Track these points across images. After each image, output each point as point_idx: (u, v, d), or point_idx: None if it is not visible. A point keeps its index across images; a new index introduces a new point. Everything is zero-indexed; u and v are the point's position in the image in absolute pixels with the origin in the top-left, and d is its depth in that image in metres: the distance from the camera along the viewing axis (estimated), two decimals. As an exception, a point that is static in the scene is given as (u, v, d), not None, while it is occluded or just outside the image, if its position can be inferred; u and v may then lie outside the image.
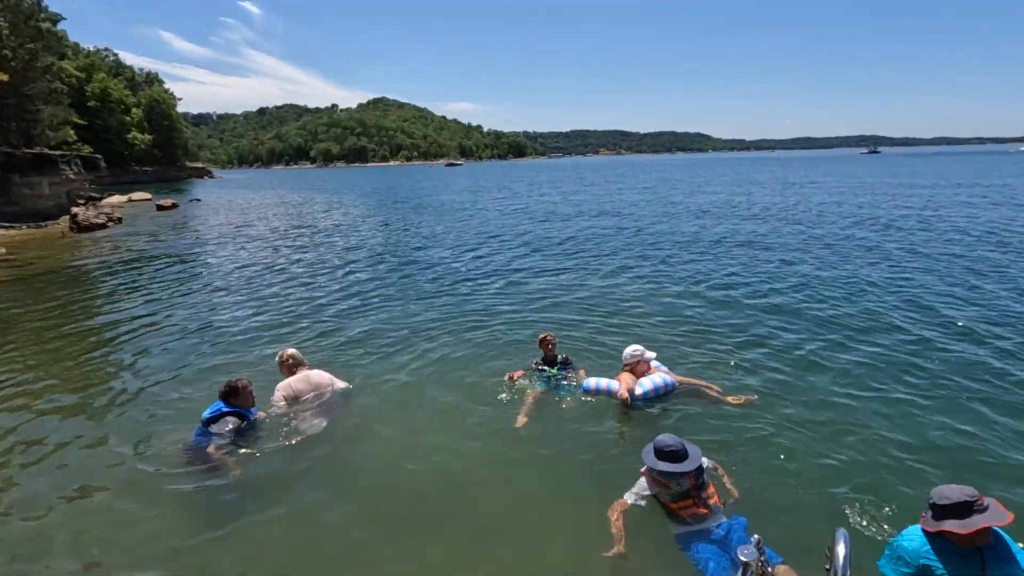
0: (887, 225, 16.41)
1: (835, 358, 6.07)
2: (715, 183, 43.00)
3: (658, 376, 5.04)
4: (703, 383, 5.27)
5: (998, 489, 3.62)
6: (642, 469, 3.44)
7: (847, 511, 3.47)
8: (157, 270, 12.86)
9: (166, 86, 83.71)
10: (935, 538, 2.50)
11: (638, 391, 4.90)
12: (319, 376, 5.12)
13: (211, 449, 4.20)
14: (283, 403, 4.81)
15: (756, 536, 2.51)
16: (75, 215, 21.14)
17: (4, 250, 15.37)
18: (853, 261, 11.33)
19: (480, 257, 13.57)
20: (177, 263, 13.82)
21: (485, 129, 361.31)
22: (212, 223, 23.53)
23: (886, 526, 3.30)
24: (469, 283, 10.54)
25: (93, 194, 29.72)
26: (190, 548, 3.41)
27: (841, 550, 2.12)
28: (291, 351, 5.23)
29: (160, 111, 73.42)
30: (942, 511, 2.46)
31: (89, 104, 58.30)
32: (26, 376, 6.22)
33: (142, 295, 10.27)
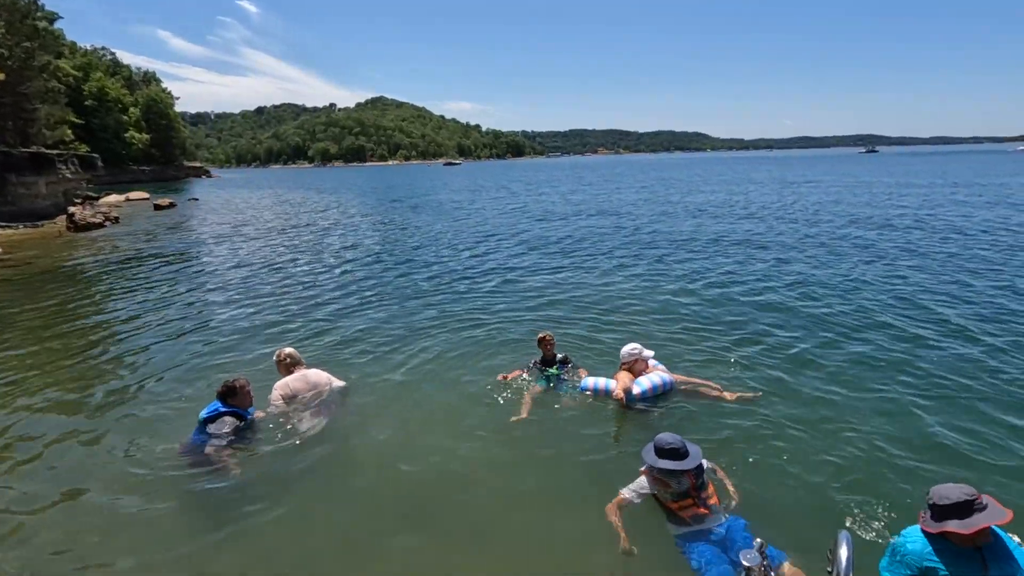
0: (884, 224, 16.44)
1: (832, 356, 6.08)
2: (713, 182, 43.03)
3: (656, 375, 5.03)
4: (702, 381, 5.28)
5: (992, 485, 3.64)
6: (642, 468, 3.45)
7: (847, 511, 3.46)
8: (154, 269, 12.84)
9: (164, 85, 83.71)
10: (936, 539, 2.49)
11: (636, 390, 4.89)
12: (317, 375, 5.12)
13: (209, 449, 4.20)
14: (281, 402, 4.81)
15: (759, 540, 2.50)
16: (72, 214, 21.09)
17: (1, 250, 15.33)
18: (850, 260, 11.34)
19: (478, 256, 13.57)
20: (174, 262, 13.79)
21: (483, 128, 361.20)
22: (210, 222, 23.48)
23: (886, 526, 3.30)
24: (467, 281, 10.55)
25: (90, 193, 29.67)
26: (189, 548, 3.41)
27: (843, 552, 2.11)
28: (289, 350, 5.24)
29: (157, 110, 73.28)
30: (942, 511, 2.45)
31: (86, 103, 58.20)
32: (23, 376, 6.20)
33: (139, 294, 10.25)
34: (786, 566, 2.88)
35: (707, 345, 6.58)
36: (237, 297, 9.81)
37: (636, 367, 5.10)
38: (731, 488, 3.59)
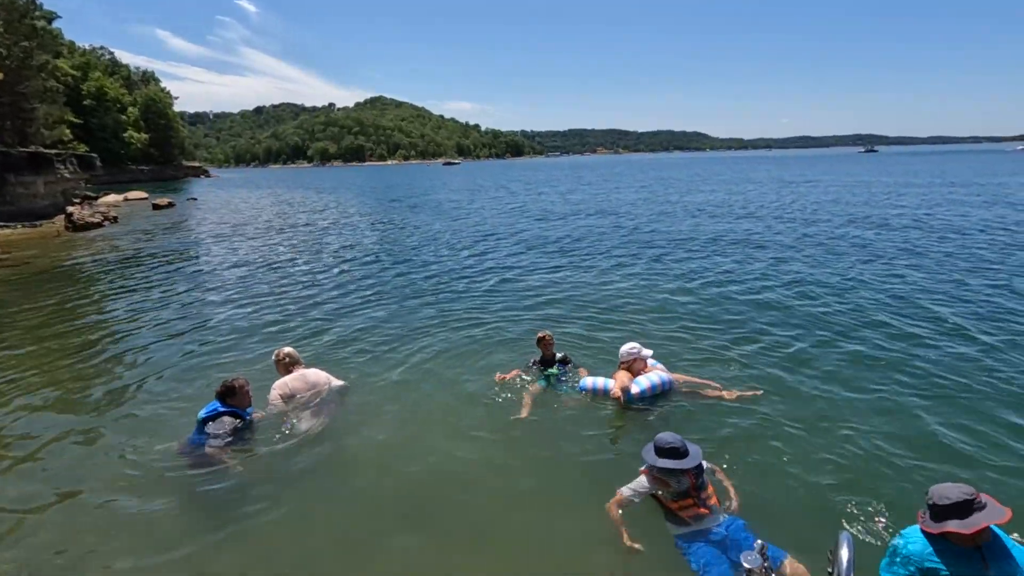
0: (883, 224, 16.44)
1: (831, 355, 6.09)
2: (712, 182, 43.05)
3: (655, 374, 5.02)
4: (701, 380, 5.28)
5: (990, 483, 3.65)
6: (642, 468, 3.45)
7: (847, 511, 3.46)
8: (153, 269, 12.82)
9: (162, 85, 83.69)
10: (936, 539, 2.48)
11: (635, 389, 4.88)
12: (315, 375, 5.12)
13: (208, 449, 4.19)
14: (279, 401, 4.80)
15: (759, 541, 2.50)
16: (70, 214, 21.07)
17: (-1, 249, 15.31)
18: (848, 259, 11.35)
19: (476, 255, 13.57)
20: (173, 262, 13.78)
21: (483, 128, 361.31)
22: (209, 222, 23.46)
23: (887, 526, 3.29)
24: (465, 281, 10.56)
25: (89, 193, 29.63)
26: (188, 548, 3.40)
27: (844, 554, 2.10)
28: (288, 349, 5.23)
29: (156, 110, 73.21)
30: (942, 511, 2.44)
31: (85, 103, 58.15)
32: (21, 375, 6.20)
33: (137, 294, 10.25)
34: (787, 563, 2.89)
35: (706, 344, 6.59)
36: (236, 297, 9.80)
37: (635, 366, 5.09)
38: (731, 489, 3.58)
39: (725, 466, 3.89)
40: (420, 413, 5.07)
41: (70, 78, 50.51)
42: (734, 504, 3.44)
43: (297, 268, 12.48)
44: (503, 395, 5.28)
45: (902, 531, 2.68)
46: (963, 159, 75.72)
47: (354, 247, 15.53)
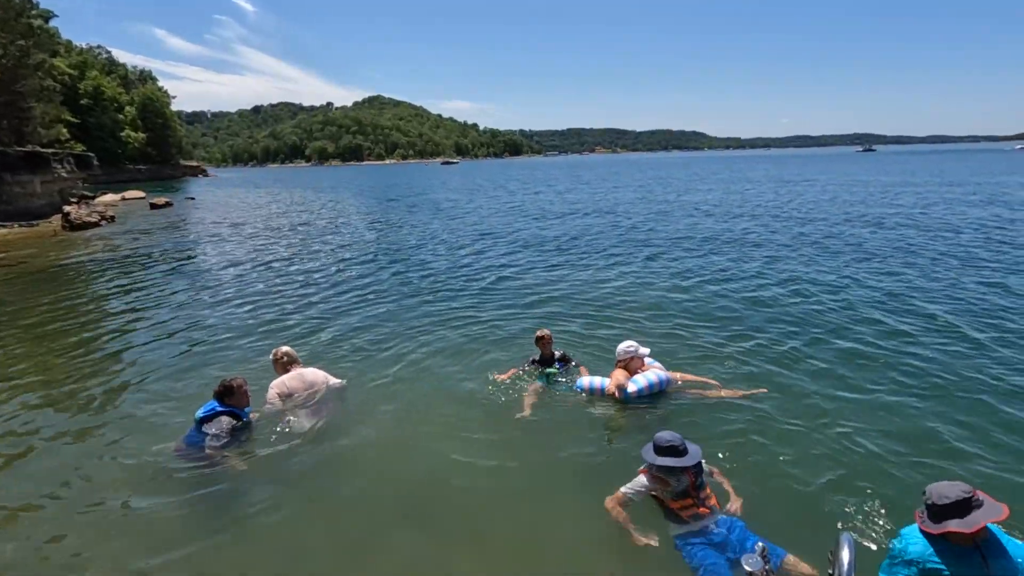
0: (881, 223, 16.47)
1: (830, 354, 6.09)
2: (709, 181, 43.08)
3: (652, 373, 5.02)
4: (700, 378, 5.28)
5: (985, 478, 3.66)
6: (641, 467, 3.45)
7: (847, 511, 3.45)
8: (150, 268, 12.80)
9: (160, 84, 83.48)
10: (936, 540, 2.47)
11: (632, 388, 4.88)
12: (313, 374, 5.11)
13: (205, 449, 4.18)
14: (277, 400, 4.79)
15: (760, 543, 2.49)
16: (67, 214, 21.02)
17: (-4, 249, 15.28)
18: (845, 258, 11.37)
19: (474, 254, 13.57)
20: (170, 261, 13.76)
21: (481, 127, 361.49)
22: (206, 221, 23.42)
23: (888, 526, 3.29)
24: (463, 280, 10.56)
25: (86, 192, 29.49)
26: (186, 548, 3.39)
27: (845, 555, 2.08)
28: (285, 349, 5.22)
29: (154, 109, 73.02)
30: (941, 511, 2.43)
31: (82, 102, 57.98)
32: (18, 375, 6.19)
33: (134, 293, 10.23)
34: (789, 561, 2.89)
35: (702, 342, 6.60)
36: (233, 296, 9.79)
37: (632, 365, 5.07)
38: (731, 490, 3.57)
39: (726, 465, 3.89)
40: (418, 412, 5.06)
41: (67, 77, 50.33)
42: (734, 505, 3.43)
43: (295, 267, 12.46)
44: (502, 394, 5.27)
45: (901, 532, 2.67)
46: (961, 158, 75.88)
47: (352, 246, 15.51)
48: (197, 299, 9.67)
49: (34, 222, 21.65)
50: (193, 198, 38.31)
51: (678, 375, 5.28)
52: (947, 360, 5.84)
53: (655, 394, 4.96)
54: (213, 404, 4.38)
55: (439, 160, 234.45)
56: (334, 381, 5.21)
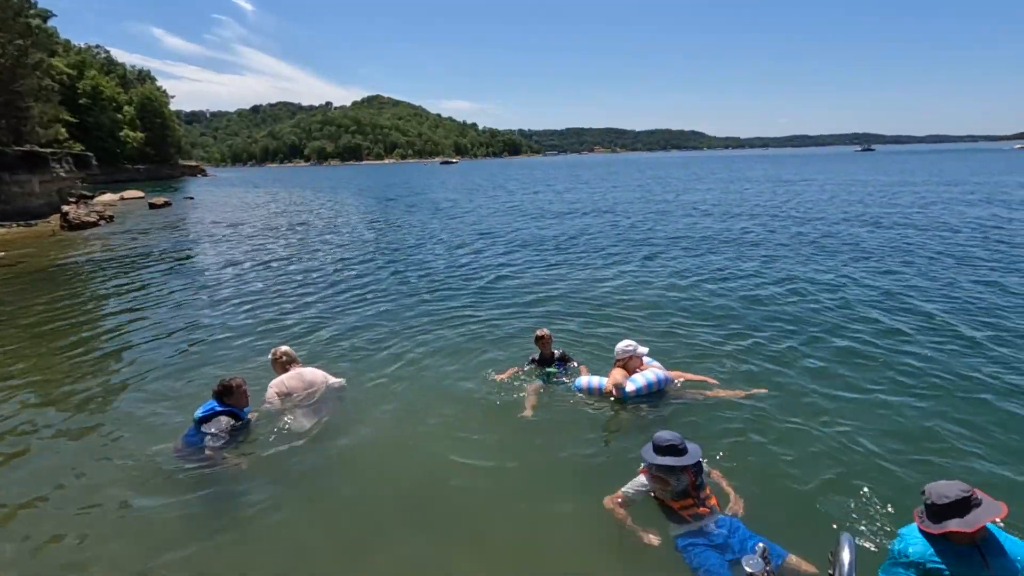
0: (880, 222, 16.49)
1: (829, 354, 6.10)
2: (708, 180, 43.12)
3: (651, 372, 5.01)
4: (698, 377, 5.28)
5: (985, 477, 3.66)
6: (641, 467, 3.45)
7: (848, 511, 3.45)
8: (148, 268, 12.79)
9: (158, 83, 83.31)
10: (937, 540, 2.47)
11: (631, 388, 4.87)
12: (312, 373, 5.10)
13: (205, 449, 4.17)
14: (276, 400, 4.78)
15: (761, 544, 2.48)
16: (66, 213, 20.98)
17: (-6, 248, 15.26)
18: (843, 257, 11.38)
19: (473, 253, 13.57)
20: (169, 261, 13.75)
21: (480, 127, 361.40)
22: (205, 221, 23.40)
23: (887, 526, 3.29)
24: (462, 279, 10.56)
25: (85, 192, 29.45)
26: (185, 548, 3.39)
27: (846, 555, 2.08)
28: (284, 348, 5.21)
29: (152, 109, 72.92)
30: (941, 511, 2.42)
31: (80, 101, 57.89)
32: (15, 374, 6.18)
33: (133, 293, 10.22)
34: (791, 559, 2.90)
35: (701, 340, 6.61)
36: (232, 295, 9.79)
37: (631, 364, 5.06)
38: (731, 491, 3.57)
39: (725, 465, 3.89)
40: (418, 412, 5.06)
41: (65, 77, 50.24)
42: (734, 506, 3.43)
43: (293, 267, 12.46)
44: (501, 394, 5.27)
45: (900, 532, 2.66)
46: (960, 158, 75.92)
47: (350, 246, 15.51)
48: (196, 299, 9.67)
49: (32, 222, 21.62)
50: (192, 198, 38.28)
51: (677, 374, 5.28)
52: (945, 359, 5.85)
53: (654, 394, 4.95)
54: (212, 404, 4.38)
55: (438, 160, 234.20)
56: (333, 380, 5.20)
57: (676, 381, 5.19)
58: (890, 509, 3.43)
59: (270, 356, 5.19)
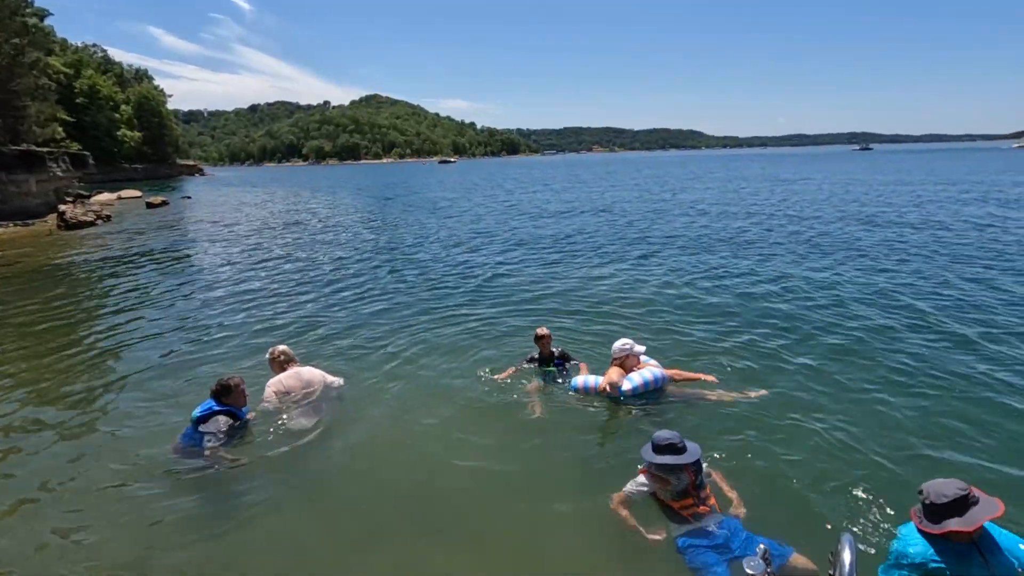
0: (879, 222, 16.51)
1: (825, 353, 6.10)
2: (705, 180, 43.16)
3: (648, 370, 5.01)
4: (696, 375, 5.28)
5: (980, 474, 3.67)
6: (641, 467, 3.46)
7: (847, 511, 3.45)
8: (145, 268, 12.77)
9: (156, 82, 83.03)
10: (936, 539, 2.46)
11: (627, 386, 4.87)
12: (310, 373, 5.08)
13: (204, 450, 4.16)
14: (274, 399, 4.77)
15: (762, 545, 2.46)
16: (63, 213, 20.92)
17: (-9, 248, 15.22)
18: (841, 256, 11.40)
19: (470, 252, 13.58)
20: (166, 260, 13.73)
21: (478, 126, 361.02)
22: (203, 221, 23.36)
23: (886, 525, 3.29)
24: (460, 278, 10.57)
25: (82, 192, 29.39)
26: (183, 548, 3.39)
27: (847, 556, 2.07)
28: (282, 348, 5.20)
29: (150, 108, 72.64)
30: (940, 510, 2.41)
31: (77, 101, 57.62)
32: (11, 374, 6.17)
33: (129, 293, 10.21)
34: (797, 559, 2.90)
35: (698, 338, 6.63)
36: (229, 295, 9.77)
37: (628, 363, 5.06)
38: (731, 492, 3.56)
39: (724, 465, 3.89)
40: (416, 411, 5.06)
41: (62, 76, 50.08)
42: (735, 506, 3.43)
43: (291, 266, 12.45)
44: (501, 393, 5.27)
45: (899, 531, 2.65)
46: (957, 157, 76.12)
47: (348, 245, 15.50)
48: (193, 298, 9.66)
49: (29, 221, 21.56)
50: (189, 197, 38.20)
51: (675, 372, 5.27)
52: (940, 356, 5.87)
53: (652, 392, 4.94)
54: (210, 403, 4.37)
55: (436, 159, 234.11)
56: (332, 380, 5.18)
57: (673, 379, 5.17)
58: (890, 508, 3.43)
59: (268, 355, 5.18)
